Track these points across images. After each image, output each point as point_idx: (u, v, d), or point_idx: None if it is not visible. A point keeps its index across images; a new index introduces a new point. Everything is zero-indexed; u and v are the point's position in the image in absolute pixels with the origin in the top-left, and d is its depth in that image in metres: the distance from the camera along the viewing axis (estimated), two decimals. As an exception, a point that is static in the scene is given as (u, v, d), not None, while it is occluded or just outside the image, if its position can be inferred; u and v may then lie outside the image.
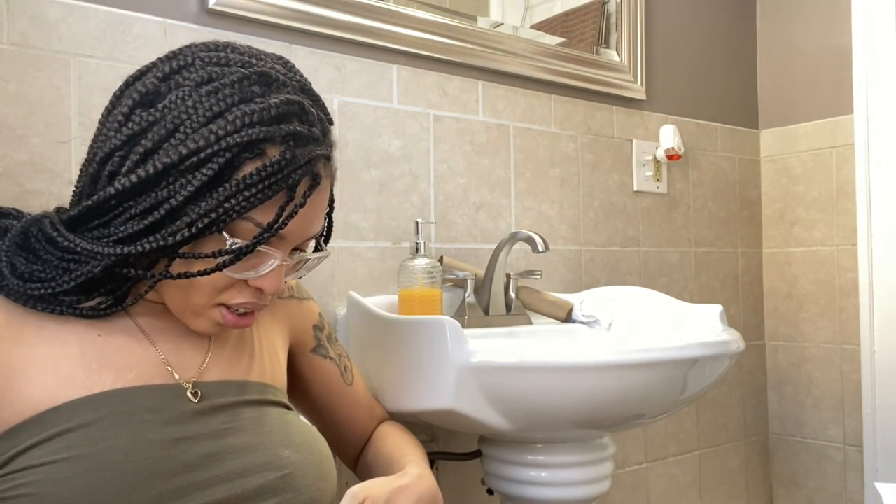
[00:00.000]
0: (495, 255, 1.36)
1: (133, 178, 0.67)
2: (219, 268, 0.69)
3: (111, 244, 0.68)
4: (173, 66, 0.71)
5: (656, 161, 1.82)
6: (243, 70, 0.71)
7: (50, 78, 1.04)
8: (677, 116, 1.88)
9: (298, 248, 0.76)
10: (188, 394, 0.74)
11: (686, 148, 1.87)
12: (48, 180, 1.03)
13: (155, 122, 0.69)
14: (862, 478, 1.86)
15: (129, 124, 0.70)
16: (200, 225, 0.67)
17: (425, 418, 1.11)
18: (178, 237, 0.67)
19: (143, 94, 0.71)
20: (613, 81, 1.73)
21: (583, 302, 1.42)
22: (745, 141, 2.05)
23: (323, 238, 0.83)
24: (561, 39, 1.65)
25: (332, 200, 0.81)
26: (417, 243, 1.27)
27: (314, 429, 0.83)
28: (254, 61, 0.73)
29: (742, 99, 2.07)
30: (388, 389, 1.08)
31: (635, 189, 1.78)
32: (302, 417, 0.87)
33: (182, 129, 0.68)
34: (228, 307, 0.74)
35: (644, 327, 1.35)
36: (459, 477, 1.43)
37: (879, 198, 1.75)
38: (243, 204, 0.68)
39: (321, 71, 1.29)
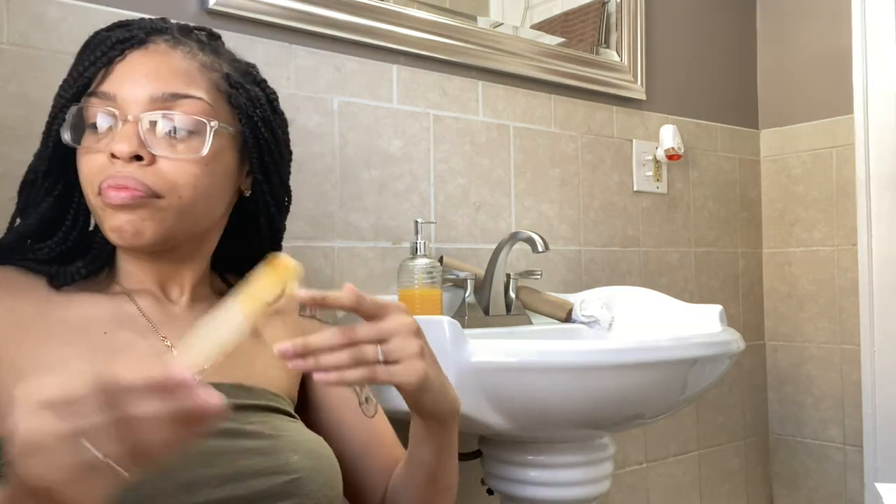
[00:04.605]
0: (495, 255, 1.36)
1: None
2: (54, 128, 0.76)
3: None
4: None
5: (656, 161, 1.82)
6: None
7: (50, 78, 1.04)
8: (677, 116, 1.88)
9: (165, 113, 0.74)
10: None
11: (686, 148, 1.87)
12: (48, 180, 1.03)
13: None
14: (862, 478, 1.86)
15: None
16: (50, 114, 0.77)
17: (425, 418, 1.11)
18: (53, 128, 0.76)
19: None
20: (613, 81, 1.73)
21: (583, 302, 1.42)
22: (745, 141, 2.05)
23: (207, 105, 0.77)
24: (561, 39, 1.65)
25: (230, 81, 0.79)
26: (417, 243, 1.26)
27: (322, 439, 0.82)
28: None
29: (742, 99, 2.07)
30: (388, 389, 1.07)
31: (635, 189, 1.78)
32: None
33: None
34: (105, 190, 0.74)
35: (644, 327, 1.35)
36: (459, 477, 1.43)
37: (879, 198, 1.75)
38: (66, 80, 0.77)
39: (321, 71, 1.29)
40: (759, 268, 2.08)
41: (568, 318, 1.40)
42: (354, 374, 0.65)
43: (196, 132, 0.75)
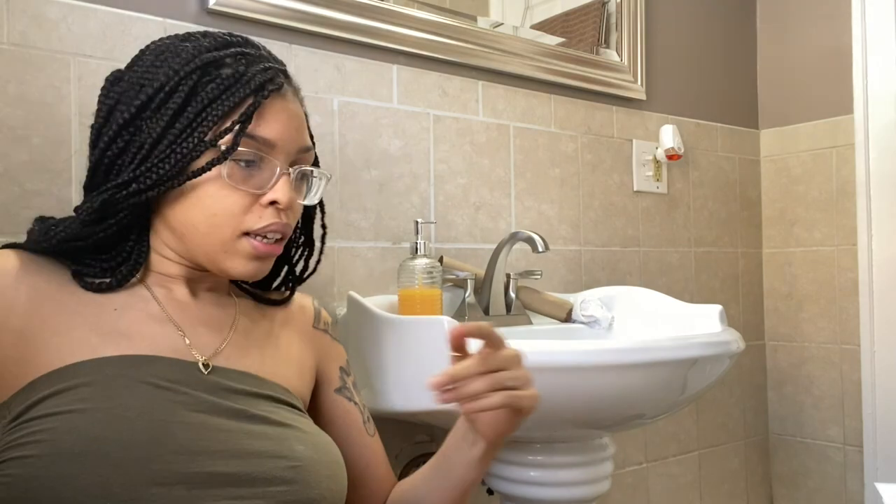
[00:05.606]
0: (495, 255, 1.36)
1: (110, 132, 0.75)
2: (210, 165, 0.74)
3: (115, 186, 0.74)
4: (138, 53, 0.81)
5: (656, 161, 1.82)
6: (195, 35, 0.81)
7: (50, 78, 1.04)
8: (677, 116, 1.88)
9: (298, 165, 0.81)
10: (205, 372, 0.75)
11: (686, 148, 1.87)
12: (48, 180, 1.03)
13: (125, 91, 0.77)
14: (862, 478, 1.86)
15: (106, 101, 0.78)
16: (181, 142, 0.74)
17: (425, 418, 1.11)
18: (171, 161, 0.74)
19: (116, 74, 0.80)
20: (613, 81, 1.73)
21: (583, 302, 1.42)
22: (745, 141, 2.05)
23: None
24: (561, 39, 1.65)
25: (311, 135, 0.86)
26: (417, 243, 1.26)
27: (329, 437, 0.83)
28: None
29: (742, 99, 2.07)
30: (388, 389, 1.08)
31: (635, 189, 1.78)
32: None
33: (145, 82, 0.76)
34: (256, 236, 0.77)
35: (644, 327, 1.35)
36: (459, 477, 1.43)
37: (879, 198, 1.75)
38: (213, 114, 0.74)
39: (321, 71, 1.29)
40: (759, 268, 2.08)
41: (568, 318, 1.40)
42: (494, 399, 0.73)
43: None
